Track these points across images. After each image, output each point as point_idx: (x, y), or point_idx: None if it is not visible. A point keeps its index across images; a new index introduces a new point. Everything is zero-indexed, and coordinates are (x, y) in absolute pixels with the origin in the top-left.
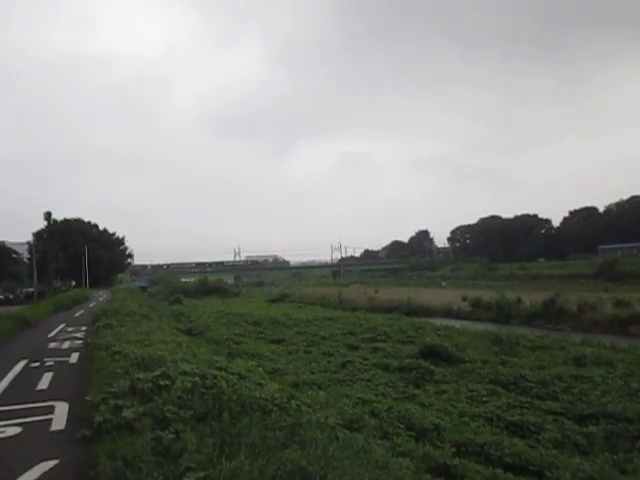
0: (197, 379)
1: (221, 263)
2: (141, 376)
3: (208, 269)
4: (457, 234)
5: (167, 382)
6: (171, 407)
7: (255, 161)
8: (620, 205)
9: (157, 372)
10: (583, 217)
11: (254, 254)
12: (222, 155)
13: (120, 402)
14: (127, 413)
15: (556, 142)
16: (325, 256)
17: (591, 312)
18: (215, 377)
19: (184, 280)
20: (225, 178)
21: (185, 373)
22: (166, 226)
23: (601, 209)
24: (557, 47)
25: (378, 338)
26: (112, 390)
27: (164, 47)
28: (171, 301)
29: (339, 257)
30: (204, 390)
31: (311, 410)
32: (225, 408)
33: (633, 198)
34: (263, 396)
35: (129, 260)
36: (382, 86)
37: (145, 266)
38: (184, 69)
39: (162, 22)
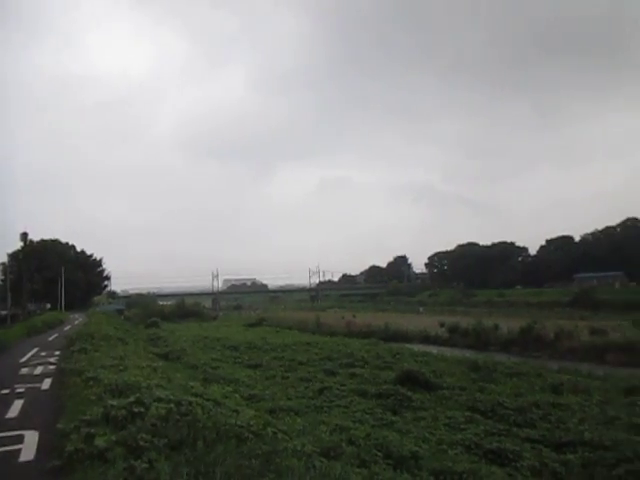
0: (172, 406)
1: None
2: (115, 403)
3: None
4: (435, 260)
5: (141, 409)
6: (145, 435)
7: (236, 185)
8: (595, 235)
9: (131, 398)
10: (559, 246)
11: (233, 277)
12: (203, 178)
13: (93, 430)
14: (99, 442)
15: (533, 172)
16: (303, 280)
17: (568, 340)
18: (190, 404)
19: (161, 303)
20: (205, 201)
21: (160, 400)
22: (146, 248)
23: (577, 238)
24: (535, 78)
25: (356, 364)
26: (85, 418)
27: (149, 69)
28: (148, 324)
29: (317, 281)
30: (179, 417)
31: (288, 437)
32: (200, 436)
33: (607, 228)
34: (239, 423)
35: (106, 282)
36: (364, 113)
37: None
38: (168, 91)
39: (148, 44)
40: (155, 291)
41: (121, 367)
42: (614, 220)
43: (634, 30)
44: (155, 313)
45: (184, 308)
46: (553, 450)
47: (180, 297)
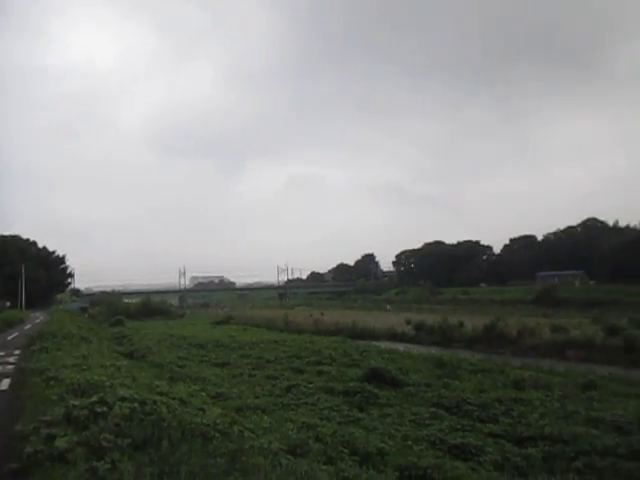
0: (136, 405)
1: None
2: (77, 403)
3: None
4: (402, 258)
5: (104, 409)
6: (108, 435)
7: (204, 181)
8: (557, 234)
9: (94, 398)
10: (522, 245)
11: (200, 275)
12: (170, 174)
13: (53, 431)
14: (60, 443)
15: (499, 172)
16: (272, 278)
17: (530, 337)
18: (155, 403)
19: (127, 301)
20: (173, 198)
21: (124, 399)
22: (111, 245)
23: (539, 238)
24: (500, 82)
25: (323, 361)
26: (45, 419)
27: (116, 62)
28: (112, 323)
29: (285, 279)
30: (143, 416)
31: (254, 435)
32: (165, 435)
33: (568, 228)
34: (205, 422)
35: (69, 280)
36: (333, 111)
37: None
38: (136, 85)
39: (115, 36)
40: (120, 289)
41: (84, 366)
42: (575, 220)
43: (598, 36)
44: (120, 311)
45: (150, 306)
46: (515, 444)
47: (146, 295)
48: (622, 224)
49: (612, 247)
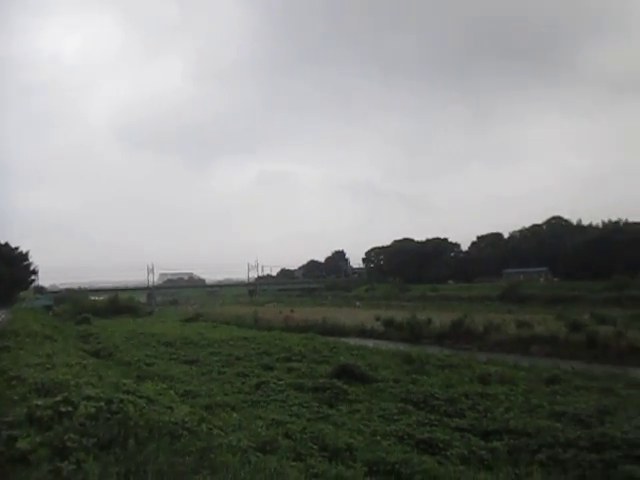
0: (102, 404)
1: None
2: (40, 403)
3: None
4: (372, 255)
5: (69, 408)
6: (72, 435)
7: (173, 177)
8: (523, 232)
9: (58, 398)
10: (489, 242)
11: (169, 271)
12: (139, 169)
13: (15, 432)
14: (22, 444)
15: (466, 170)
16: (242, 274)
17: (496, 332)
18: (122, 401)
19: (93, 299)
20: (142, 193)
21: (90, 398)
22: (77, 241)
23: (506, 235)
24: (470, 79)
25: (293, 358)
26: (6, 419)
27: (83, 54)
28: (78, 321)
29: (256, 276)
30: (110, 416)
31: (223, 433)
32: (131, 434)
33: (534, 226)
34: (173, 420)
35: (33, 277)
36: (305, 108)
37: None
38: (102, 78)
39: (81, 27)
40: (87, 286)
41: (48, 365)
42: (540, 218)
43: (565, 34)
44: (86, 309)
45: (117, 303)
46: (481, 438)
47: (113, 292)
48: (585, 223)
49: (575, 245)
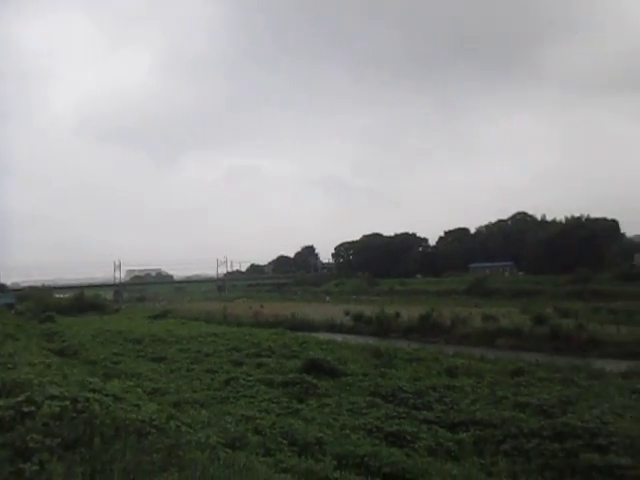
0: (67, 403)
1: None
2: (1, 403)
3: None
4: (341, 250)
5: (32, 408)
6: (35, 436)
7: (140, 171)
8: (489, 227)
9: (21, 398)
10: (457, 237)
11: (136, 268)
12: (105, 163)
13: None
14: None
15: (435, 166)
16: (211, 270)
17: (462, 326)
18: (87, 400)
19: (58, 296)
20: (107, 188)
21: (53, 397)
22: (41, 237)
23: (472, 230)
24: (439, 76)
25: (263, 353)
26: None
27: (47, 44)
28: (42, 319)
29: (225, 271)
30: (75, 415)
31: (192, 430)
32: (97, 433)
33: (499, 222)
34: (140, 418)
35: None
36: (275, 102)
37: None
38: (65, 69)
39: (46, 17)
40: (51, 283)
41: (10, 365)
42: (506, 214)
43: (532, 34)
44: (51, 307)
45: (83, 301)
46: (448, 430)
47: (79, 289)
48: (549, 218)
49: (540, 240)
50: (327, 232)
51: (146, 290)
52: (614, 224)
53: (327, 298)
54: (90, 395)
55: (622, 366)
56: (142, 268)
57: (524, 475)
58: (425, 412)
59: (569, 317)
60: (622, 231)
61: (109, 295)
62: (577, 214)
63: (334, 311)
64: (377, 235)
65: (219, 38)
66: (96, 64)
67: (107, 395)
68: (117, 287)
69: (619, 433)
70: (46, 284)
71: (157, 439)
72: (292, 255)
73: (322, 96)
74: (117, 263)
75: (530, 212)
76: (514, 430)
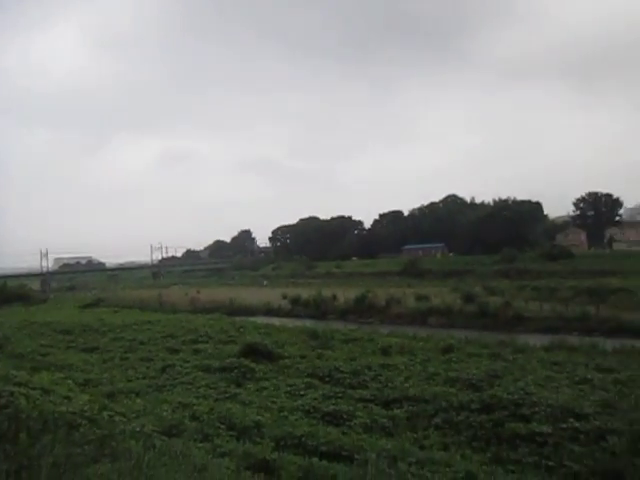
0: None
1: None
2: None
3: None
4: (278, 234)
5: None
6: None
7: (68, 155)
8: (421, 210)
9: None
10: (390, 220)
11: (65, 256)
12: (29, 145)
13: None
14: None
15: (370, 150)
16: (145, 257)
17: (397, 306)
18: (12, 394)
19: None
20: (33, 172)
21: None
22: None
23: (406, 213)
24: (374, 61)
25: (199, 340)
26: None
27: None
28: None
29: (160, 258)
30: None
31: (126, 420)
32: (23, 428)
33: (432, 204)
34: (71, 410)
35: None
36: (209, 84)
37: None
38: None
39: None
40: None
41: None
42: (438, 196)
43: (463, 21)
44: None
45: (6, 292)
46: (383, 407)
47: (1, 280)
48: (478, 201)
49: (469, 222)
50: (264, 216)
51: (76, 279)
52: (538, 206)
53: (264, 282)
54: (15, 389)
55: (545, 340)
56: (72, 256)
57: (454, 446)
58: (361, 391)
59: (496, 295)
60: (545, 213)
61: (35, 285)
62: (504, 197)
63: (272, 295)
64: (314, 219)
65: (152, 17)
66: (21, 41)
67: (34, 388)
68: (44, 276)
69: (541, 403)
70: None
71: (89, 430)
72: (229, 240)
73: (258, 79)
74: (44, 251)
75: (460, 195)
76: (445, 404)
